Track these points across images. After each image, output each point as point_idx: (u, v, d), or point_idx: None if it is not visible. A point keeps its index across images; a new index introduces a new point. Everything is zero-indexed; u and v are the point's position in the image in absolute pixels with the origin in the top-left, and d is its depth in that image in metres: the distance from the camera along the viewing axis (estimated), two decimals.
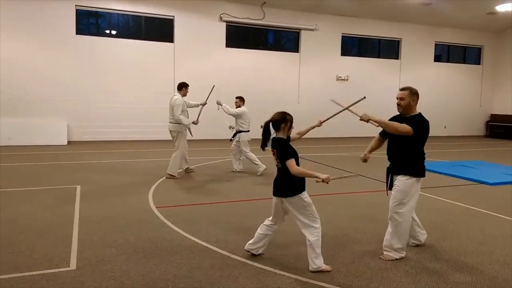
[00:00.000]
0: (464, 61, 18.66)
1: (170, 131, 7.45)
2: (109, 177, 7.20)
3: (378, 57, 16.90)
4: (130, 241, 4.00)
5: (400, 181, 3.66)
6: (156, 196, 5.86)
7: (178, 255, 3.67)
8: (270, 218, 3.60)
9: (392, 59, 16.95)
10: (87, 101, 12.39)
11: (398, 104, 3.78)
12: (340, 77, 15.91)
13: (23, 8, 11.50)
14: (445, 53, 18.41)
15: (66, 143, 11.71)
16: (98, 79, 12.52)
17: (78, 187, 6.29)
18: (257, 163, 7.72)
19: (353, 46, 16.62)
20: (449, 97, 18.02)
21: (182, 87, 7.46)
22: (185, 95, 7.49)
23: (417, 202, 3.78)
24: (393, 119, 3.86)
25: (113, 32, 13.01)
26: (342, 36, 15.87)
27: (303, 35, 15.21)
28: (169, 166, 7.18)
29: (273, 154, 3.47)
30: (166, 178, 7.11)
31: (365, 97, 4.06)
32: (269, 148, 3.51)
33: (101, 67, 12.52)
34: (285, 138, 3.50)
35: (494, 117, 18.61)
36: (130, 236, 4.14)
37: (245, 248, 3.65)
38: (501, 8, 14.43)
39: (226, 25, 14.01)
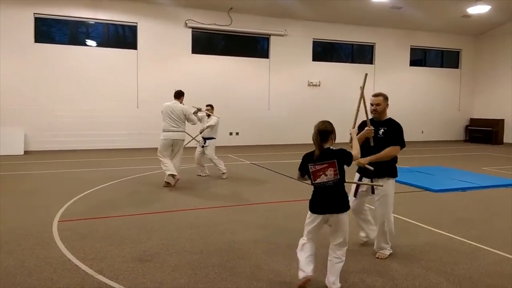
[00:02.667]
0: (441, 65, 18.43)
1: (174, 140, 7.07)
2: (43, 187, 6.93)
3: (352, 62, 16.67)
4: None
5: (385, 184, 3.79)
6: (73, 207, 5.59)
7: (39, 274, 3.38)
8: (305, 238, 3.17)
9: (366, 64, 16.71)
10: (46, 110, 12.16)
11: (375, 110, 3.93)
12: (311, 82, 15.67)
13: None
14: (422, 57, 18.18)
15: (22, 152, 11.45)
16: (58, 87, 12.31)
17: None
18: (221, 167, 7.98)
19: (325, 51, 16.40)
20: (427, 101, 17.76)
21: (181, 95, 7.27)
22: (182, 103, 7.29)
23: None
24: (364, 124, 3.95)
25: (73, 40, 12.80)
26: (313, 41, 15.66)
27: (273, 41, 15.00)
28: (175, 169, 7.02)
29: (324, 169, 3.06)
30: (166, 184, 6.96)
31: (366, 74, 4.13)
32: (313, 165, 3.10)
33: (61, 76, 12.31)
34: None
35: (473, 122, 18.32)
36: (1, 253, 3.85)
37: (302, 277, 3.05)
38: (472, 10, 14.21)
39: (192, 31, 13.82)
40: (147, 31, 13.23)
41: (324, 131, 3.09)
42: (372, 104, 3.93)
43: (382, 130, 3.88)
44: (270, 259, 3.77)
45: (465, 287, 3.25)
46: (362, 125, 3.97)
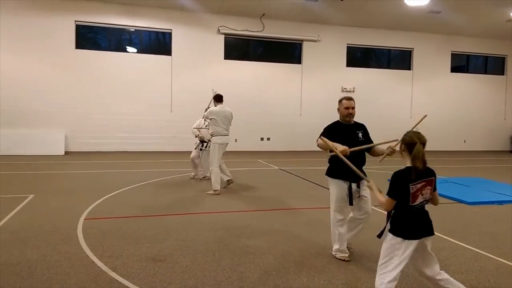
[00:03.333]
0: (485, 71, 17.56)
1: (227, 143, 7.16)
2: (75, 186, 7.25)
3: (388, 67, 16.26)
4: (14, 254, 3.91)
5: (366, 189, 3.74)
6: (100, 207, 5.80)
7: (57, 268, 3.53)
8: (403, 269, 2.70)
9: (403, 70, 16.24)
10: (85, 113, 12.75)
11: (351, 114, 3.90)
12: (345, 88, 15.43)
13: (24, 23, 12.09)
14: (464, 63, 17.43)
15: (63, 153, 12.05)
16: (96, 91, 12.88)
17: (31, 196, 6.35)
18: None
19: (360, 57, 16.11)
20: (469, 109, 17.00)
21: (222, 98, 7.18)
22: None
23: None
24: (333, 126, 3.93)
25: (111, 46, 13.37)
26: (348, 47, 15.43)
27: (306, 46, 14.94)
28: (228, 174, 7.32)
29: (422, 188, 2.70)
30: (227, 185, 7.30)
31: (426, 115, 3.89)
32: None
33: (99, 80, 12.89)
34: None
35: None
36: (26, 248, 4.06)
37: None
38: None
39: (225, 37, 14.04)
40: (181, 37, 13.59)
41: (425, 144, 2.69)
42: (347, 108, 3.87)
43: (360, 133, 3.88)
44: (280, 265, 3.73)
45: None
46: (333, 125, 3.94)
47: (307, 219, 5.44)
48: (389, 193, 2.70)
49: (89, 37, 13.28)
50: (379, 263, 2.73)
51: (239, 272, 3.55)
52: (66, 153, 12.17)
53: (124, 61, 13.20)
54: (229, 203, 6.33)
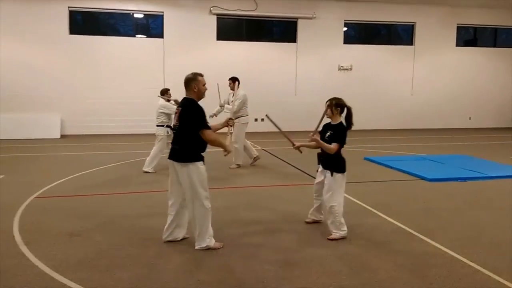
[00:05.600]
0: (495, 44, 16.72)
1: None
2: (50, 167, 7.59)
3: (388, 43, 15.74)
4: None
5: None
6: (61, 186, 6.07)
7: None
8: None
9: (404, 46, 15.70)
10: (80, 97, 13.10)
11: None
12: (342, 66, 15.11)
13: (19, 10, 12.42)
14: (471, 37, 16.64)
15: (59, 136, 12.51)
16: (91, 75, 13.16)
17: (0, 176, 6.70)
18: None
19: (358, 33, 15.66)
20: (476, 85, 16.30)
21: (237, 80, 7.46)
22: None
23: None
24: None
25: (105, 31, 13.57)
26: (345, 23, 15.03)
27: (301, 24, 14.65)
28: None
29: None
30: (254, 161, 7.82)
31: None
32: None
33: (93, 64, 13.14)
34: None
35: None
36: None
37: None
38: None
39: (217, 18, 13.96)
40: (173, 19, 13.61)
41: None
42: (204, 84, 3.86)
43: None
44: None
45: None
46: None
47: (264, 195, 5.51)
48: (341, 141, 3.86)
49: (83, 22, 13.52)
50: (329, 197, 3.86)
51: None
52: (62, 136, 12.61)
53: (117, 45, 13.36)
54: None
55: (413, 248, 3.72)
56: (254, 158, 7.87)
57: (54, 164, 8.12)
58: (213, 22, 13.97)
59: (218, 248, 3.63)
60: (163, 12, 13.57)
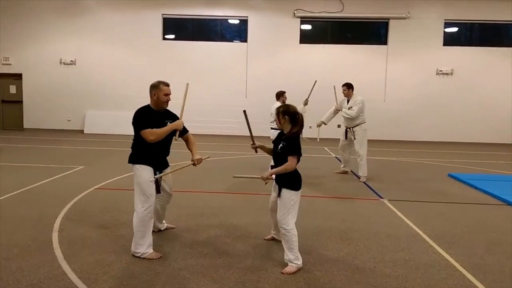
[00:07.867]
0: None
1: None
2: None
3: (493, 45, 13.57)
4: None
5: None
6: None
7: None
8: None
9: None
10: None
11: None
12: (441, 71, 13.49)
13: (118, 17, 13.70)
14: None
15: None
16: (180, 78, 13.76)
17: (80, 167, 7.32)
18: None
19: (461, 34, 13.82)
20: None
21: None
22: None
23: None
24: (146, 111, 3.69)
25: (193, 36, 14.22)
26: (445, 23, 13.41)
27: (392, 25, 13.50)
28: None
29: None
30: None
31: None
32: None
33: (183, 68, 13.81)
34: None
35: None
36: None
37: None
38: None
39: (301, 20, 13.62)
40: (257, 23, 13.67)
41: None
42: (167, 94, 3.68)
43: (169, 122, 3.76)
44: None
45: None
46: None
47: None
48: (296, 152, 3.19)
49: (174, 28, 14.37)
50: (283, 216, 3.20)
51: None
52: None
53: (205, 50, 13.85)
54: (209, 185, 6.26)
55: None
56: (344, 170, 7.58)
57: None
58: (296, 25, 13.67)
59: (152, 259, 3.32)
60: (247, 16, 13.73)
